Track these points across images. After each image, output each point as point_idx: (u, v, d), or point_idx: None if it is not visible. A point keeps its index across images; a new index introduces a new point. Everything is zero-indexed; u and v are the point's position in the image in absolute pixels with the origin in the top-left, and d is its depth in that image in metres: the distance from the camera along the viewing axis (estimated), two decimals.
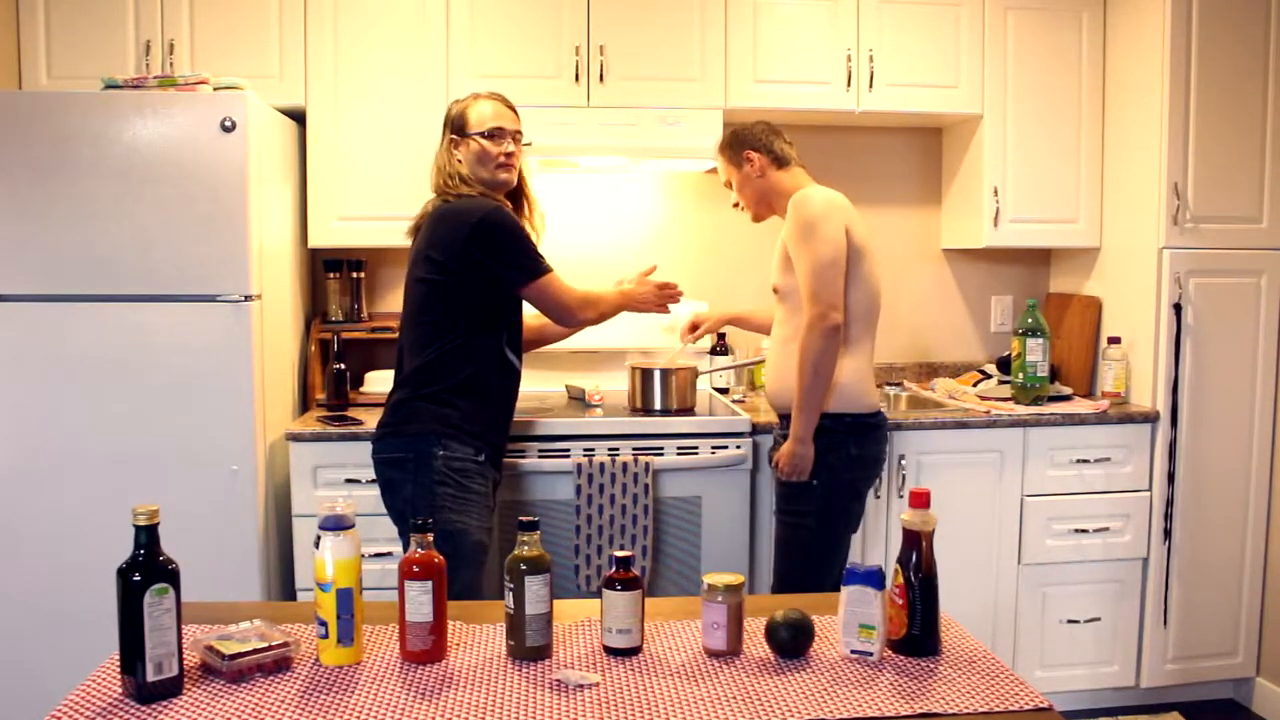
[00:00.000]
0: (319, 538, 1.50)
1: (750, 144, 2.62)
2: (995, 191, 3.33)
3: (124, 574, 1.37)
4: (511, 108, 2.51)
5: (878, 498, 2.99)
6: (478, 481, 2.34)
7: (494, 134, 2.42)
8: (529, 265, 2.39)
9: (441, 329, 2.35)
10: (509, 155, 2.45)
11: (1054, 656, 3.15)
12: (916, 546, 1.56)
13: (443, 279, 2.34)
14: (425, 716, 1.34)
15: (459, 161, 2.43)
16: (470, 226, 2.31)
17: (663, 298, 2.68)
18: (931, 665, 1.53)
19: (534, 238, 2.52)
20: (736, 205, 2.72)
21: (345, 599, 1.49)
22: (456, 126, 2.45)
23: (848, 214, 2.48)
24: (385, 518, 2.42)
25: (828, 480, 2.48)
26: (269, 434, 2.78)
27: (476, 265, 2.32)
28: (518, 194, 2.56)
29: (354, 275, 3.31)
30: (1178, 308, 3.12)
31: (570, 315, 2.49)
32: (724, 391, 3.37)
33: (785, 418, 2.55)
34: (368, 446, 2.44)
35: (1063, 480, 3.10)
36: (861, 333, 2.51)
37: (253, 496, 2.69)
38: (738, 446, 2.86)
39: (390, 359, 3.27)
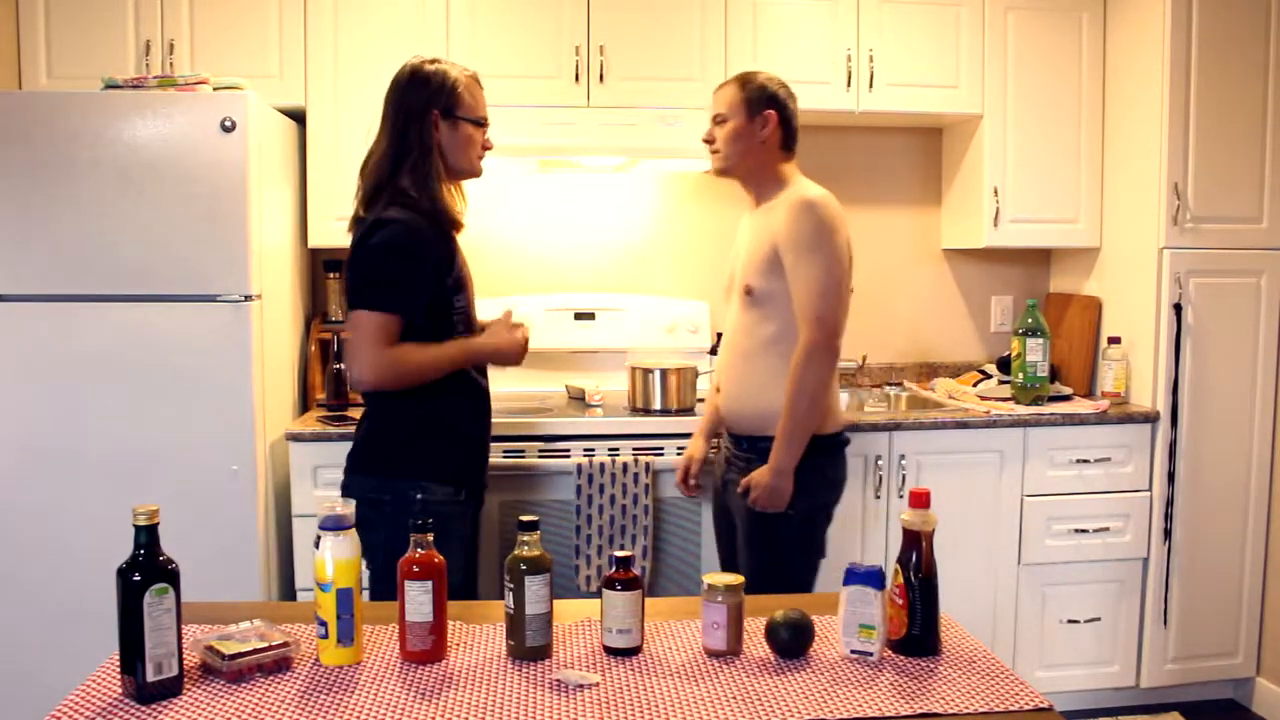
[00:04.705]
0: (319, 538, 1.50)
1: (777, 108, 2.38)
2: (995, 191, 3.33)
3: (124, 574, 1.37)
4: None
5: (877, 498, 2.99)
6: (457, 523, 2.18)
7: (484, 122, 2.22)
8: (359, 291, 2.06)
9: None
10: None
11: (1054, 656, 3.15)
12: (916, 546, 1.56)
13: None
14: (425, 716, 1.34)
15: (438, 144, 2.14)
16: (362, 236, 2.09)
17: (519, 347, 2.23)
18: (931, 665, 1.53)
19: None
20: (709, 142, 2.43)
21: (345, 599, 1.49)
22: (446, 105, 2.14)
23: (845, 222, 2.33)
24: None
25: (807, 506, 2.31)
26: (269, 434, 2.78)
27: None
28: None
29: None
30: (1178, 308, 3.12)
31: (359, 369, 2.05)
32: None
33: (745, 439, 2.38)
34: None
35: (1063, 480, 3.10)
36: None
37: (253, 496, 2.69)
38: None
39: None
